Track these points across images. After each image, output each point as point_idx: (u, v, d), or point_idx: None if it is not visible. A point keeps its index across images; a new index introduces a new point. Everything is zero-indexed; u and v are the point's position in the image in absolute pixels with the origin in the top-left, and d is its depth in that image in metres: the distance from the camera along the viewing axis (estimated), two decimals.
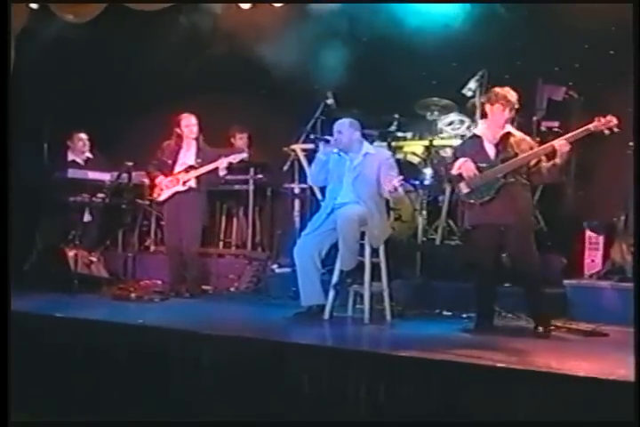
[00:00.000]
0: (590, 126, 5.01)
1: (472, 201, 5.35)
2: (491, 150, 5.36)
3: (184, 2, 7.64)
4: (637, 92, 4.60)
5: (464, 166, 5.32)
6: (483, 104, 5.71)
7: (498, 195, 5.24)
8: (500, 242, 5.32)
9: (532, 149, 5.28)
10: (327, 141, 5.94)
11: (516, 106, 5.38)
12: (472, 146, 5.47)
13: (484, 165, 5.30)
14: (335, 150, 5.91)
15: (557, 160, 5.12)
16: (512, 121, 5.58)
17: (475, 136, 5.52)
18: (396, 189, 5.53)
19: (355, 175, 5.84)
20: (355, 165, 5.88)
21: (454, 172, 5.37)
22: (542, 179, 5.34)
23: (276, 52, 7.34)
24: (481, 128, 5.56)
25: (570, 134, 5.11)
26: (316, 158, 6.08)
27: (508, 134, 5.36)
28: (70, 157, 8.30)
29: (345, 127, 5.92)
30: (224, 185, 7.99)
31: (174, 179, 7.09)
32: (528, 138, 5.44)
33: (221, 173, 7.08)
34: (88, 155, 8.33)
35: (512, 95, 5.35)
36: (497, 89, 5.40)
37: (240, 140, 8.34)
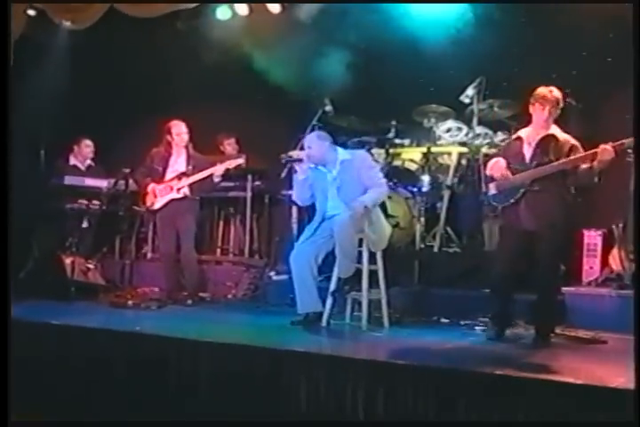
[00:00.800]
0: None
1: (496, 204, 5.28)
2: (528, 153, 5.21)
3: (187, 2, 7.60)
4: (637, 96, 4.54)
5: (495, 167, 5.21)
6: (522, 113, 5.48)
7: (521, 200, 5.13)
8: (522, 247, 5.20)
9: (572, 152, 5.06)
10: (300, 160, 5.91)
11: (560, 104, 5.18)
12: (512, 147, 5.34)
13: (518, 167, 5.18)
14: (312, 166, 5.87)
15: (595, 164, 4.91)
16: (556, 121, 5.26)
17: (517, 138, 5.35)
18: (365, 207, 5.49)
19: (337, 186, 5.79)
20: (334, 176, 5.82)
21: (487, 171, 5.28)
22: (576, 181, 5.13)
23: (273, 59, 7.36)
24: (525, 130, 5.36)
25: (618, 142, 4.88)
26: (294, 180, 6.04)
27: (549, 137, 5.16)
28: (72, 161, 8.31)
29: (313, 141, 5.86)
30: (221, 192, 8.01)
31: (167, 186, 7.06)
32: (573, 140, 5.17)
33: (216, 179, 7.04)
34: (90, 162, 8.34)
35: (552, 94, 5.15)
36: (539, 88, 5.21)
37: (228, 145, 8.32)
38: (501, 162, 5.21)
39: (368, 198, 5.58)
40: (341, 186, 5.77)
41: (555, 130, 5.22)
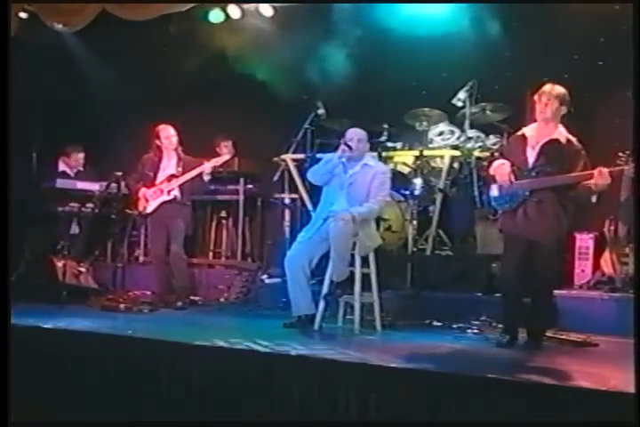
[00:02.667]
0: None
1: (496, 206, 5.24)
2: (530, 157, 5.09)
3: (187, 2, 7.57)
4: (637, 97, 4.51)
5: (499, 169, 5.13)
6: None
7: (519, 208, 5.06)
8: (523, 253, 5.14)
9: (575, 161, 4.97)
10: (350, 148, 5.82)
11: (565, 100, 5.05)
12: (515, 146, 5.23)
13: (520, 170, 5.09)
14: (343, 159, 5.83)
15: (592, 185, 4.86)
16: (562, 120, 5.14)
17: (521, 136, 5.20)
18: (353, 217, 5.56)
19: (348, 183, 5.84)
20: (351, 173, 5.87)
21: (490, 172, 5.22)
22: (576, 196, 5.04)
23: (265, 62, 7.36)
24: (530, 128, 5.22)
25: (617, 168, 4.85)
26: (331, 158, 5.88)
27: (553, 143, 5.04)
28: (61, 167, 8.28)
29: (364, 138, 5.94)
30: (214, 195, 8.01)
31: (158, 190, 7.06)
32: (577, 146, 5.05)
33: (206, 177, 7.03)
34: (80, 168, 8.34)
35: (555, 88, 5.05)
36: (545, 85, 5.11)
37: (225, 147, 8.33)
38: (506, 166, 5.12)
39: (357, 211, 5.64)
40: (352, 185, 5.83)
41: (560, 134, 5.09)
